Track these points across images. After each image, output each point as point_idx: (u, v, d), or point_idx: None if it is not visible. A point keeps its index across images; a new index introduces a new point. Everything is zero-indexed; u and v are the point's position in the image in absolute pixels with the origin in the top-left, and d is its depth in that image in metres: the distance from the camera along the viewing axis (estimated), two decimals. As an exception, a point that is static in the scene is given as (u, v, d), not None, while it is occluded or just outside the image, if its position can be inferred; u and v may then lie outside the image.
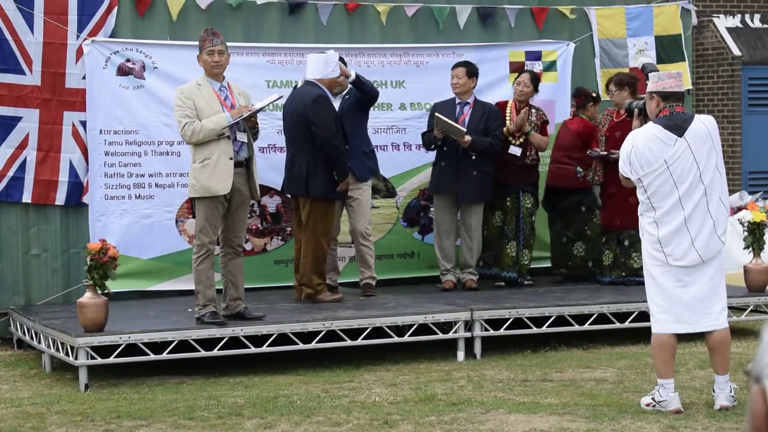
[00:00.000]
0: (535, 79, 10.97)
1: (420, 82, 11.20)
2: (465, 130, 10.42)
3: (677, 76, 7.53)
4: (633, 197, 10.75)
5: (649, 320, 7.61)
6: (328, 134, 9.62)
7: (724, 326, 7.41)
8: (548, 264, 11.40)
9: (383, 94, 10.82)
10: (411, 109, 11.24)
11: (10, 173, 10.23)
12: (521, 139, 10.83)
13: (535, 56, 11.68)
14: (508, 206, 10.86)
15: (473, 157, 10.56)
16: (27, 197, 10.28)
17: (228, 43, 9.18)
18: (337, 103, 10.03)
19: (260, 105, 9.09)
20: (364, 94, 10.11)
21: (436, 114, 10.42)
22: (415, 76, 11.24)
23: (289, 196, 10.34)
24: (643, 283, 10.64)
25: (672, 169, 7.24)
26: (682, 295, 7.31)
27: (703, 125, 7.32)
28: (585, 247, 11.14)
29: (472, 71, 10.71)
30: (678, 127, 7.27)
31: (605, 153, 10.65)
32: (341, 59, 10.11)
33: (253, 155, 9.04)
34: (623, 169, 7.37)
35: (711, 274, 7.35)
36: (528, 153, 10.88)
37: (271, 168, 10.56)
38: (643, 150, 7.26)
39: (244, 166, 8.91)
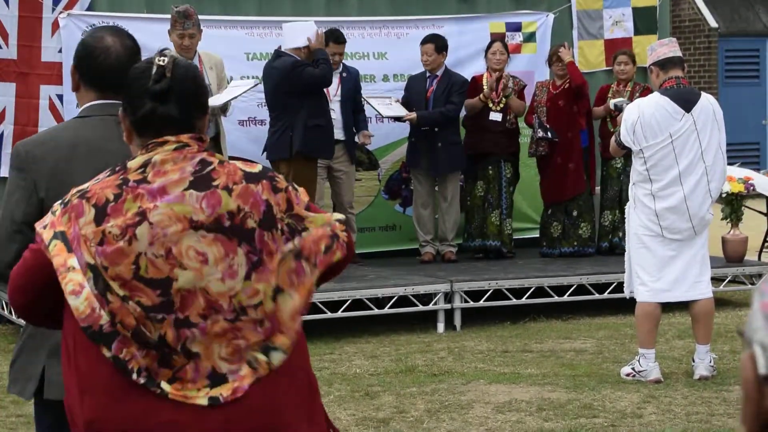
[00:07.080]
0: (506, 46, 10.97)
1: (402, 54, 11.13)
2: (402, 113, 10.50)
3: (669, 43, 7.53)
4: (572, 163, 10.79)
5: (628, 291, 7.64)
6: (320, 81, 9.64)
7: (709, 296, 7.46)
8: (529, 235, 11.38)
9: (366, 65, 10.78)
10: (394, 81, 11.19)
11: (-13, 148, 10.16)
12: (501, 105, 10.80)
13: (516, 27, 11.65)
14: (491, 175, 10.81)
15: (435, 130, 10.57)
16: (4, 172, 10.21)
17: (206, 16, 9.15)
18: (335, 80, 10.03)
19: (229, 97, 9.16)
20: None
21: (370, 104, 10.53)
22: (396, 48, 11.19)
23: (269, 162, 10.23)
24: (590, 255, 10.77)
25: (675, 144, 7.22)
26: (676, 264, 7.33)
27: (710, 104, 7.35)
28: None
29: (440, 46, 10.67)
30: (686, 101, 7.25)
31: (549, 136, 10.65)
32: (336, 36, 10.16)
33: (222, 131, 9.04)
34: (626, 138, 7.28)
35: (701, 243, 7.40)
36: (507, 117, 10.86)
37: (251, 141, 10.48)
38: (649, 120, 7.22)
39: (212, 142, 8.89)
